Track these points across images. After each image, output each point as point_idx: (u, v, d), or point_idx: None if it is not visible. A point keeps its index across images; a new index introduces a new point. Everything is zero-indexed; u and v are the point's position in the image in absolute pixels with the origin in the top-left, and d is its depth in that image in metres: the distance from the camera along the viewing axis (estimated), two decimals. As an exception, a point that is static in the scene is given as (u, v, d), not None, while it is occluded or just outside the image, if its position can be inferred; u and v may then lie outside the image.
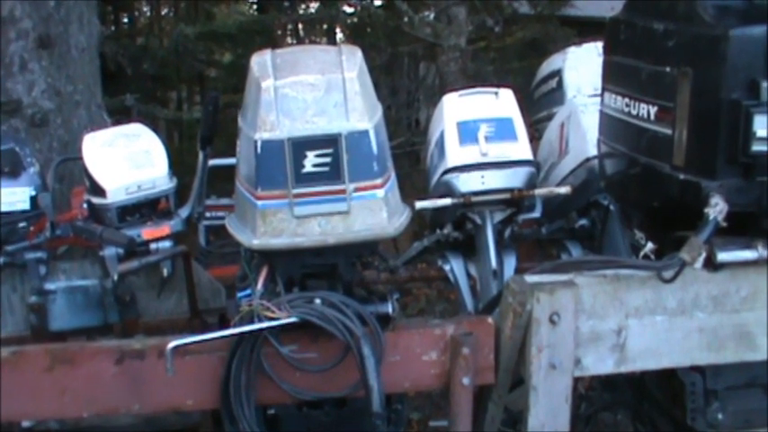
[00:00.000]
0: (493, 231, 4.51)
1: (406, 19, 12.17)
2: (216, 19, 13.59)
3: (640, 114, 3.45)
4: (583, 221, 4.84)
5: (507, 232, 4.68)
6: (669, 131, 3.26)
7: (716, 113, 3.11)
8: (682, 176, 3.23)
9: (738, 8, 3.17)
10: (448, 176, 4.50)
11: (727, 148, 3.11)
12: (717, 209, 3.10)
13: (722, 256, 3.28)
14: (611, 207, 4.57)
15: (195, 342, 3.31)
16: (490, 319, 3.53)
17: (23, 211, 4.43)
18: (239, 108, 3.62)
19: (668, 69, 3.25)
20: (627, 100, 3.57)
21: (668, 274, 3.24)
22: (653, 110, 3.37)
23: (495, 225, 4.55)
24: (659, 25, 3.35)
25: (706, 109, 3.14)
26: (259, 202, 3.33)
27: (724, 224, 3.13)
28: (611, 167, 3.90)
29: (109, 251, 4.39)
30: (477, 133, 4.50)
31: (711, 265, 3.29)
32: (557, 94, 5.61)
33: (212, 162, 4.85)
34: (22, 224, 4.43)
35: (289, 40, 14.80)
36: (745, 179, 3.14)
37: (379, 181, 3.35)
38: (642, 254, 3.55)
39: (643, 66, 3.44)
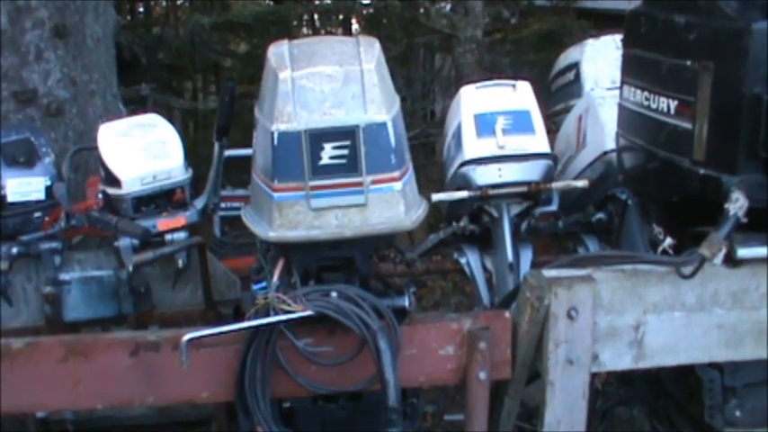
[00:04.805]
0: (509, 224, 4.49)
1: (422, 10, 12.19)
2: (231, 9, 13.55)
3: (660, 108, 3.43)
4: (600, 215, 4.80)
5: (524, 225, 4.66)
6: (689, 126, 3.24)
7: (737, 108, 3.08)
8: (702, 171, 3.21)
9: (761, 2, 3.13)
10: (465, 169, 4.48)
11: (748, 143, 3.09)
12: (737, 204, 3.08)
13: (742, 253, 3.25)
14: (629, 201, 4.53)
15: (210, 335, 3.29)
16: (507, 314, 3.51)
17: (38, 201, 4.41)
18: (255, 98, 3.61)
19: (689, 63, 3.23)
20: (647, 93, 3.55)
21: (687, 269, 3.21)
22: (673, 104, 3.34)
23: (512, 218, 4.52)
24: (680, 18, 3.32)
25: (727, 103, 3.12)
26: (275, 194, 3.32)
27: (744, 220, 3.11)
28: (630, 161, 3.87)
29: (124, 242, 4.37)
30: (495, 126, 4.48)
31: (731, 261, 3.26)
32: (574, 87, 5.59)
33: (228, 153, 4.83)
34: (37, 214, 4.41)
35: (304, 30, 14.79)
36: (766, 174, 3.11)
37: (396, 174, 3.32)
38: (661, 249, 3.53)
39: (663, 59, 3.41)
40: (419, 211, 3.48)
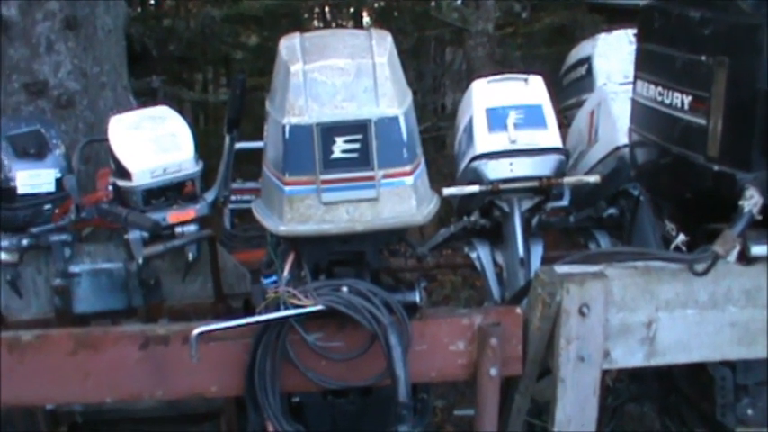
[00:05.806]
0: (521, 219, 4.47)
1: (433, 3, 12.16)
2: (242, 1, 13.53)
3: (674, 104, 3.40)
4: (611, 211, 4.78)
5: (535, 220, 4.64)
6: (703, 122, 3.21)
7: (752, 104, 3.05)
8: (716, 168, 3.18)
9: (777, -3, 3.11)
10: (476, 163, 4.46)
11: (762, 139, 3.06)
12: (751, 201, 3.06)
13: (756, 250, 3.23)
14: (641, 197, 4.52)
15: (220, 329, 3.28)
16: (518, 310, 3.49)
17: (49, 193, 4.40)
18: (265, 91, 3.60)
19: (704, 58, 3.20)
20: (660, 89, 3.52)
21: (700, 266, 3.20)
22: (687, 99, 3.31)
23: (523, 213, 4.50)
24: (695, 13, 3.29)
25: (742, 99, 3.09)
26: (286, 188, 3.30)
27: (758, 217, 3.09)
28: (643, 157, 3.85)
29: (134, 234, 4.35)
30: (507, 120, 4.46)
31: (745, 258, 3.24)
32: (586, 81, 5.56)
33: (238, 145, 4.82)
34: (47, 206, 4.40)
35: (315, 23, 14.77)
36: (781, 172, 3.09)
37: (408, 168, 3.31)
38: (673, 246, 3.51)
39: (677, 54, 3.39)
40: (430, 206, 3.47)
